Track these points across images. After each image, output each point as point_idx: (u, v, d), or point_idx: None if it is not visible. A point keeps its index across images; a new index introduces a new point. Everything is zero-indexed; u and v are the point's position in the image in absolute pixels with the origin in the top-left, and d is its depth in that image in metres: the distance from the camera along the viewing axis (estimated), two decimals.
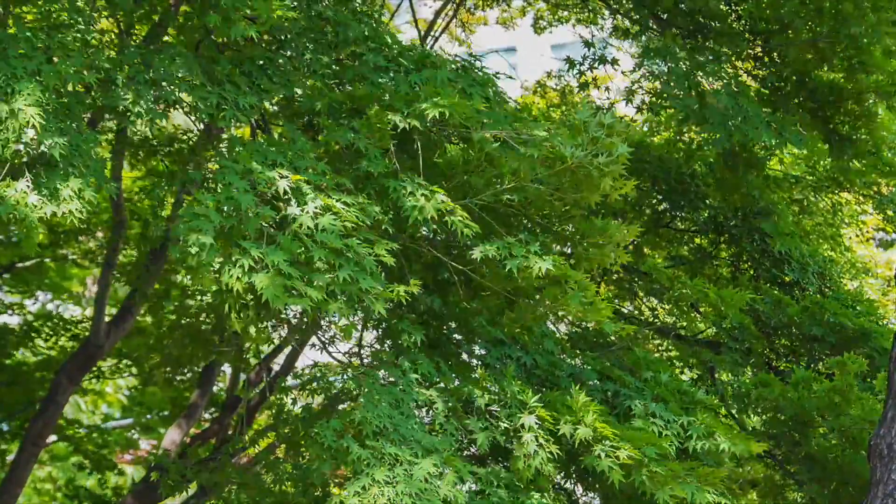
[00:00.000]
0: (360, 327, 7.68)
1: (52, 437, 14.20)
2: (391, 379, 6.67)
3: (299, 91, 7.08)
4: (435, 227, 6.85)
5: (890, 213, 12.72)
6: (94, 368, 13.95)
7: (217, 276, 5.81)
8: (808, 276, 10.65)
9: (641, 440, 6.65)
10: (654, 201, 10.87)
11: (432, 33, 12.87)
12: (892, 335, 9.77)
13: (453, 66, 7.46)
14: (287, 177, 6.18)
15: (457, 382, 6.99)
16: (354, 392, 6.49)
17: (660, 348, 11.06)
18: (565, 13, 11.84)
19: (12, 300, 14.40)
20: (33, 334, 13.99)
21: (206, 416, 13.41)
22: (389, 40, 7.40)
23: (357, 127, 6.68)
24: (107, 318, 11.35)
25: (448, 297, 7.60)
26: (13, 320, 14.31)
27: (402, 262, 7.02)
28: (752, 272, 10.80)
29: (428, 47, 12.57)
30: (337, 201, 6.16)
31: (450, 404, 6.71)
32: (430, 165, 7.03)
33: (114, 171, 10.39)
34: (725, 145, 8.95)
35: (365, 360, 7.35)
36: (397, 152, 6.76)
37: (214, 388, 13.18)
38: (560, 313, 6.90)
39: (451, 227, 6.37)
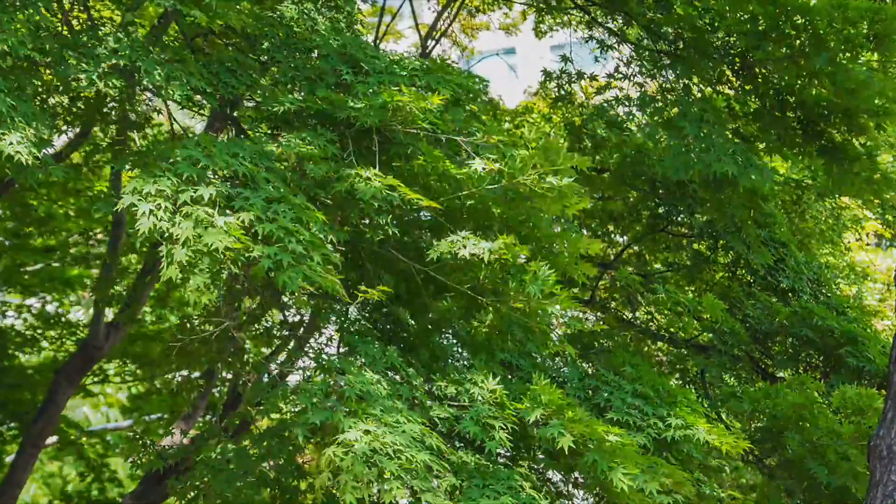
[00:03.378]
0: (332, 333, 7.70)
1: (53, 438, 14.21)
2: (363, 363, 6.72)
3: (261, 94, 7.12)
4: (395, 231, 6.87)
5: (889, 217, 12.76)
6: (97, 371, 13.97)
7: (167, 230, 5.79)
8: (802, 282, 10.70)
9: (598, 423, 6.66)
10: (652, 205, 10.90)
11: (433, 36, 12.90)
12: (877, 339, 9.84)
13: (417, 64, 7.49)
14: (245, 165, 6.22)
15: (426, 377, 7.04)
16: (335, 368, 6.51)
17: (657, 353, 11.10)
18: (565, 17, 11.88)
19: (14, 302, 14.42)
20: (37, 336, 14.00)
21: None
22: (359, 47, 7.40)
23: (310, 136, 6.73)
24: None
25: (418, 302, 7.65)
26: (15, 322, 14.32)
27: (370, 270, 7.05)
28: (748, 278, 10.85)
29: (428, 50, 12.60)
30: (291, 197, 6.21)
31: (416, 395, 6.75)
32: (389, 168, 7.09)
33: (114, 173, 10.42)
34: (684, 176, 8.96)
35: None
36: (358, 155, 6.81)
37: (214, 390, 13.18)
38: (520, 305, 6.89)
39: (397, 201, 6.38)
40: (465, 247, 6.52)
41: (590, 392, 7.55)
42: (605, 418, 7.14)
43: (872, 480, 7.02)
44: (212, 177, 6.12)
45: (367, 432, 5.87)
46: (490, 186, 6.68)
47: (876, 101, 8.95)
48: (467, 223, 7.16)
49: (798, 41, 8.77)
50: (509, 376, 7.44)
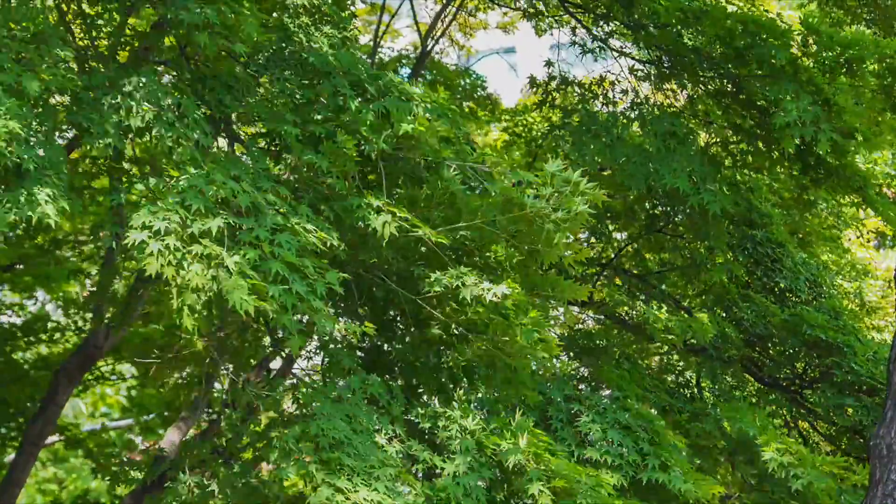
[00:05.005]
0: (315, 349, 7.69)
1: (52, 438, 14.20)
2: (342, 396, 6.69)
3: (257, 112, 7.10)
4: (389, 253, 6.83)
5: (891, 213, 12.73)
6: (95, 370, 13.95)
7: (179, 267, 5.80)
8: (799, 283, 10.69)
9: (578, 472, 6.62)
10: (649, 206, 10.88)
11: (432, 35, 12.89)
12: (868, 346, 9.86)
13: (424, 97, 7.42)
14: (249, 192, 6.19)
15: (403, 409, 7.02)
16: (308, 407, 6.49)
17: (657, 352, 11.08)
18: (565, 16, 11.86)
19: (12, 300, 14.40)
20: (34, 336, 13.98)
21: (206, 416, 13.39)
22: (360, 67, 7.37)
23: (322, 150, 6.69)
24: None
25: (395, 333, 7.63)
26: (13, 320, 14.31)
27: (355, 297, 7.03)
28: (746, 278, 10.84)
29: (427, 49, 12.60)
30: (296, 224, 6.20)
31: (394, 430, 6.72)
32: (391, 196, 7.06)
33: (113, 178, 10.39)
34: (641, 188, 8.95)
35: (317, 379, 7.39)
36: (361, 180, 6.78)
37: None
38: (506, 350, 6.85)
39: (425, 237, 6.34)
40: (464, 284, 6.46)
41: (572, 418, 7.52)
42: (583, 457, 7.13)
43: (872, 479, 7.02)
44: (214, 203, 6.13)
45: (338, 490, 5.87)
46: (503, 216, 6.59)
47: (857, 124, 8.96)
48: (470, 257, 7.13)
49: (775, 60, 8.77)
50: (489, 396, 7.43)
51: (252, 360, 11.39)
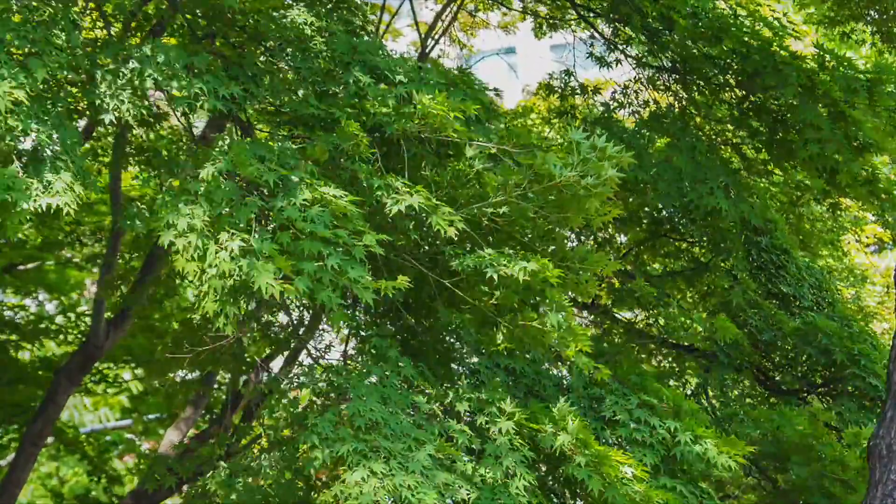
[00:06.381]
0: (346, 335, 7.71)
1: (53, 438, 14.20)
2: (375, 380, 6.69)
3: (285, 98, 7.09)
4: (417, 236, 6.82)
5: (890, 219, 12.75)
6: (96, 371, 13.96)
7: (202, 260, 5.83)
8: (803, 289, 10.68)
9: (621, 458, 6.64)
10: (652, 210, 10.88)
11: (432, 35, 12.88)
12: (882, 354, 9.86)
13: (442, 80, 7.42)
14: (276, 170, 6.19)
15: (440, 389, 7.01)
16: (344, 387, 6.48)
17: (657, 359, 11.08)
18: (566, 22, 11.86)
19: (13, 301, 14.40)
20: (34, 336, 13.99)
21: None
22: (380, 53, 7.38)
23: (338, 133, 6.71)
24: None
25: (429, 313, 7.62)
26: (14, 320, 14.31)
27: (385, 275, 7.02)
28: (751, 284, 10.83)
29: (427, 49, 12.59)
30: (326, 192, 6.18)
31: (431, 407, 6.71)
32: (416, 175, 7.03)
33: (113, 172, 10.40)
34: (675, 204, 8.92)
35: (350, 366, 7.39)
36: (383, 160, 6.77)
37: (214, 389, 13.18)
38: (534, 338, 6.84)
39: (434, 227, 6.32)
40: (491, 265, 6.44)
41: (594, 403, 7.52)
42: (615, 434, 7.12)
43: (872, 480, 7.03)
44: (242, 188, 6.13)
45: (373, 472, 5.85)
46: (531, 191, 6.57)
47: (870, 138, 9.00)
48: (494, 237, 7.11)
49: (793, 77, 8.82)
50: (511, 382, 7.41)
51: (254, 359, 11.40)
